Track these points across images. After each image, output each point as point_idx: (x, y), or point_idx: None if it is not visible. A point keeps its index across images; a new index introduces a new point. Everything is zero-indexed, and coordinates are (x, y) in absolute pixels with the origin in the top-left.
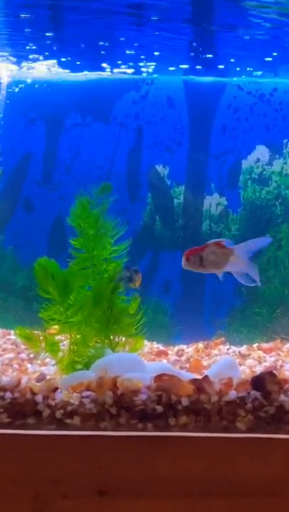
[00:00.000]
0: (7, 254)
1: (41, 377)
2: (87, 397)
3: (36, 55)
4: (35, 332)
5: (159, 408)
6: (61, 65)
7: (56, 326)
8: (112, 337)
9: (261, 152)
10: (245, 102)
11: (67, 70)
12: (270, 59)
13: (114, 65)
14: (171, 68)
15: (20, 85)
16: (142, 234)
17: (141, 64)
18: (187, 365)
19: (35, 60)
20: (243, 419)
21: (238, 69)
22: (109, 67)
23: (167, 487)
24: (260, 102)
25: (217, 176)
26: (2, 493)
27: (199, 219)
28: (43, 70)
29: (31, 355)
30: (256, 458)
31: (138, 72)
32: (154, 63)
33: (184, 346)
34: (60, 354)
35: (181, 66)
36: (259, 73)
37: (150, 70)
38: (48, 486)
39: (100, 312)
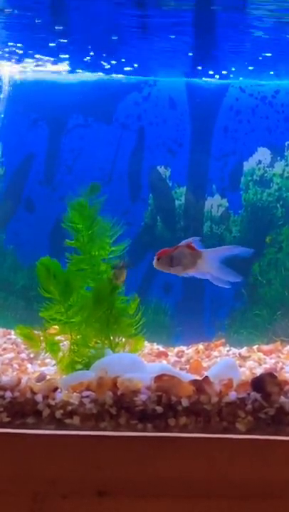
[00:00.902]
0: (8, 254)
1: (41, 377)
2: (87, 397)
3: (39, 56)
4: (36, 332)
5: (159, 409)
6: (64, 65)
7: (56, 326)
8: (112, 337)
9: (263, 154)
10: (247, 104)
11: (70, 71)
12: (272, 61)
13: (116, 66)
14: (173, 70)
15: (22, 85)
16: (143, 235)
17: (143, 65)
18: (187, 367)
19: (37, 61)
20: (243, 420)
21: (240, 71)
22: (111, 67)
23: (167, 488)
24: (262, 104)
25: (218, 178)
26: (1, 493)
27: (200, 220)
28: (46, 70)
29: (31, 355)
30: (256, 459)
31: (140, 73)
32: (156, 64)
33: (184, 347)
34: (61, 354)
35: (183, 68)
36: (262, 74)
37: (152, 72)
38: (47, 486)
39: (100, 313)
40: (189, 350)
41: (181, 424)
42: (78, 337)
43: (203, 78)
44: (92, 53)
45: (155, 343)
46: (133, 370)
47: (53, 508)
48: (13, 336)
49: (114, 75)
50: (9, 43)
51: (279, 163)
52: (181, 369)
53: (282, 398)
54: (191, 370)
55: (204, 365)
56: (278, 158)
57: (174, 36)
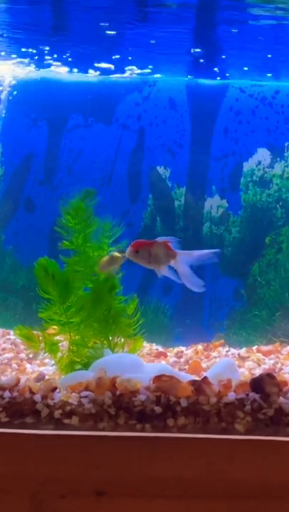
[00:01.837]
0: (8, 254)
1: (40, 377)
2: (85, 397)
3: (39, 56)
4: (35, 332)
5: (158, 409)
6: (63, 65)
7: (55, 326)
8: (111, 338)
9: (262, 155)
10: (247, 105)
11: (70, 71)
12: (272, 62)
13: (116, 67)
14: (173, 70)
15: (22, 85)
16: (143, 235)
17: (143, 65)
18: (186, 367)
19: (37, 61)
20: (241, 421)
21: (240, 71)
22: (112, 68)
23: (165, 488)
24: (261, 104)
25: (218, 178)
26: (0, 492)
27: (200, 221)
28: (46, 70)
29: (30, 355)
30: (255, 460)
31: (140, 73)
32: (156, 65)
33: (183, 348)
34: (60, 354)
35: (183, 68)
36: (261, 76)
37: (152, 72)
38: (46, 485)
39: (99, 313)
40: (188, 351)
41: (179, 425)
42: (77, 337)
43: (203, 78)
44: (92, 53)
45: (154, 344)
46: (132, 371)
47: (51, 507)
48: (13, 336)
49: (114, 76)
50: (9, 43)
51: (279, 163)
52: (180, 369)
53: (281, 399)
54: (190, 370)
55: (203, 365)
56: (278, 158)
57: (174, 36)
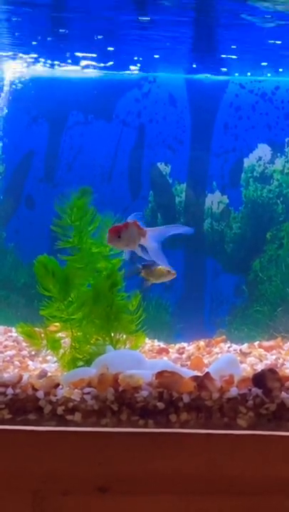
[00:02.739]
0: (9, 251)
1: (42, 374)
2: (88, 393)
3: (38, 54)
4: (37, 329)
5: (160, 405)
6: (63, 62)
7: (57, 324)
8: (113, 334)
9: (263, 150)
10: (247, 101)
11: (70, 68)
12: (272, 57)
13: (116, 63)
14: (173, 66)
15: (22, 83)
16: None
17: (143, 62)
18: (188, 363)
19: (37, 58)
20: (244, 416)
21: (240, 67)
22: (111, 64)
23: (168, 484)
24: (262, 100)
25: (219, 174)
26: (2, 489)
27: (201, 217)
28: (46, 67)
29: (33, 353)
30: (257, 455)
31: (140, 69)
32: (156, 61)
33: (185, 344)
34: (62, 351)
35: (183, 64)
36: (261, 71)
37: (152, 68)
38: (48, 482)
39: (100, 309)
40: (190, 347)
41: (182, 420)
42: (79, 334)
43: (203, 74)
44: (91, 50)
45: (156, 340)
46: (134, 367)
47: (53, 504)
48: (15, 334)
49: (113, 72)
50: (8, 41)
51: (279, 159)
52: (182, 365)
53: (283, 394)
54: (192, 366)
55: (205, 361)
56: (278, 154)
57: (173, 32)
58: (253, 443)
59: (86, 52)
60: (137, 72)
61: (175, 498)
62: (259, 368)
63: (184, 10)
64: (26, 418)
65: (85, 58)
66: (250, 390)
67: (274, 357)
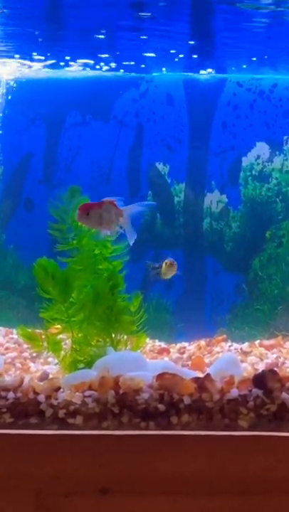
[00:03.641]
0: (9, 253)
1: (44, 376)
2: (89, 396)
3: (36, 54)
4: (38, 331)
5: (161, 407)
6: (60, 63)
7: (58, 326)
8: (113, 335)
9: (261, 149)
10: (245, 99)
11: (67, 69)
12: (269, 55)
13: (113, 63)
14: (170, 65)
15: (19, 84)
16: (143, 232)
17: (140, 61)
18: (189, 363)
19: (34, 59)
20: (244, 417)
21: (237, 65)
22: (108, 64)
23: (169, 485)
24: (259, 98)
25: (217, 174)
26: (5, 491)
27: (200, 216)
28: (43, 68)
29: (34, 354)
30: (258, 456)
31: (137, 69)
32: (153, 60)
33: (185, 344)
34: (63, 353)
35: (180, 63)
36: (259, 69)
37: (149, 68)
38: (51, 484)
39: (101, 311)
40: (191, 347)
41: (183, 422)
42: (80, 335)
43: (200, 73)
44: (88, 50)
45: (157, 340)
46: (135, 369)
47: (56, 505)
48: (16, 336)
49: (111, 73)
50: (5, 42)
51: (278, 157)
52: (183, 365)
53: (284, 394)
54: (193, 366)
55: (206, 360)
56: (277, 152)
57: (170, 31)
58: (254, 444)
59: (83, 53)
60: (134, 72)
61: (176, 500)
62: (260, 367)
63: (180, 8)
64: (28, 422)
65: (81, 58)
66: (250, 390)
67: (275, 355)
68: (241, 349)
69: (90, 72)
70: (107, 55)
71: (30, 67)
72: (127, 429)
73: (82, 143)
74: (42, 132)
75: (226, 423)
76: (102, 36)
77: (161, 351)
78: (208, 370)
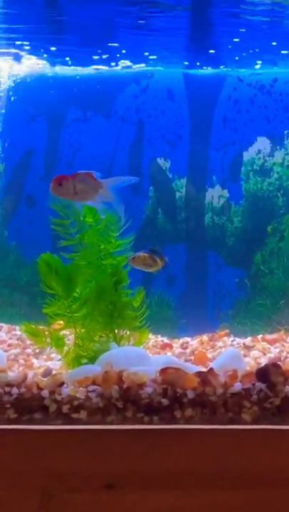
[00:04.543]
0: (11, 250)
1: (47, 372)
2: (93, 391)
3: (35, 50)
4: (41, 327)
5: (165, 401)
6: (61, 59)
7: (61, 321)
8: (116, 331)
9: (262, 143)
10: (246, 94)
11: (67, 65)
12: (270, 49)
13: (113, 59)
14: (170, 61)
15: (20, 81)
16: (145, 227)
17: (140, 57)
18: (192, 358)
19: (34, 55)
20: (248, 410)
21: (237, 59)
22: (108, 60)
23: (174, 480)
24: (260, 93)
25: (219, 169)
26: (9, 488)
27: (201, 212)
28: (44, 65)
29: (37, 351)
30: (262, 449)
31: (138, 65)
32: (153, 56)
33: (188, 339)
34: (66, 349)
35: (180, 59)
36: (259, 63)
37: (150, 63)
38: (55, 480)
39: (104, 306)
40: (194, 342)
41: (187, 416)
42: (83, 331)
43: (201, 69)
44: (88, 46)
45: (160, 336)
46: (138, 364)
47: (61, 502)
48: (18, 332)
49: (111, 69)
50: (6, 39)
51: (279, 152)
52: (186, 360)
53: (288, 388)
54: (196, 361)
55: (209, 355)
56: (278, 147)
57: (170, 26)
58: (257, 437)
59: (83, 48)
60: (134, 67)
61: (181, 493)
62: (263, 361)
63: (180, 2)
64: (32, 417)
65: (82, 54)
66: (254, 384)
67: (277, 350)
68: (244, 344)
69: (90, 69)
70: (107, 52)
71: (29, 63)
72: (130, 423)
73: (83, 139)
74: (43, 129)
75: (230, 417)
76: (102, 32)
77: (164, 346)
78: (211, 365)
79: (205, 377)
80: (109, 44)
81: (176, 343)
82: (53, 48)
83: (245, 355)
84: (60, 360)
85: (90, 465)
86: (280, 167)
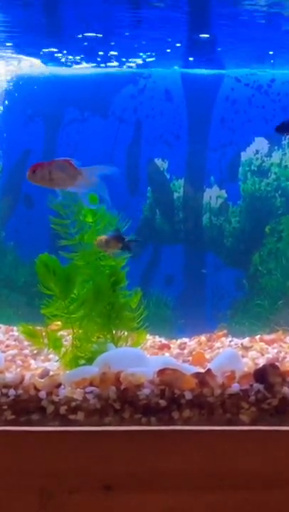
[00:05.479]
0: (9, 251)
1: (44, 373)
2: (90, 392)
3: (33, 51)
4: (38, 328)
5: (163, 402)
6: (58, 60)
7: (59, 322)
8: (114, 331)
9: (260, 144)
10: (243, 94)
11: (65, 65)
12: (267, 50)
13: (111, 59)
14: (168, 61)
15: (18, 81)
16: (143, 228)
17: (138, 57)
18: (190, 358)
19: (33, 56)
20: (246, 411)
21: (235, 60)
22: (106, 61)
23: (172, 480)
24: (258, 93)
25: (216, 169)
26: (8, 489)
27: (199, 212)
28: (41, 65)
29: (34, 351)
30: (260, 450)
31: (135, 65)
32: (151, 56)
33: (186, 339)
34: (63, 350)
35: (178, 59)
36: (257, 64)
37: (147, 64)
38: (54, 481)
39: (101, 307)
40: (192, 342)
41: (184, 417)
42: (80, 332)
43: (198, 69)
44: (85, 47)
45: (157, 336)
46: (136, 364)
47: (60, 503)
48: (16, 333)
49: (109, 69)
50: (3, 40)
51: (276, 152)
52: (183, 361)
53: (285, 388)
54: (194, 361)
55: (207, 356)
56: (275, 147)
57: (167, 27)
58: (255, 438)
59: (80, 49)
60: (131, 67)
61: (180, 494)
62: (261, 362)
63: (177, 2)
64: (29, 418)
65: (79, 55)
66: (251, 385)
67: (275, 350)
68: (242, 344)
69: (87, 69)
70: (104, 51)
71: (27, 63)
72: (128, 424)
73: (80, 139)
74: (40, 129)
75: (228, 418)
76: (100, 32)
77: (162, 347)
78: (209, 366)
79: (203, 378)
80: (107, 44)
81: (174, 344)
82: (50, 49)
83: (243, 356)
84: (57, 361)
85: (88, 466)
86: (278, 167)
